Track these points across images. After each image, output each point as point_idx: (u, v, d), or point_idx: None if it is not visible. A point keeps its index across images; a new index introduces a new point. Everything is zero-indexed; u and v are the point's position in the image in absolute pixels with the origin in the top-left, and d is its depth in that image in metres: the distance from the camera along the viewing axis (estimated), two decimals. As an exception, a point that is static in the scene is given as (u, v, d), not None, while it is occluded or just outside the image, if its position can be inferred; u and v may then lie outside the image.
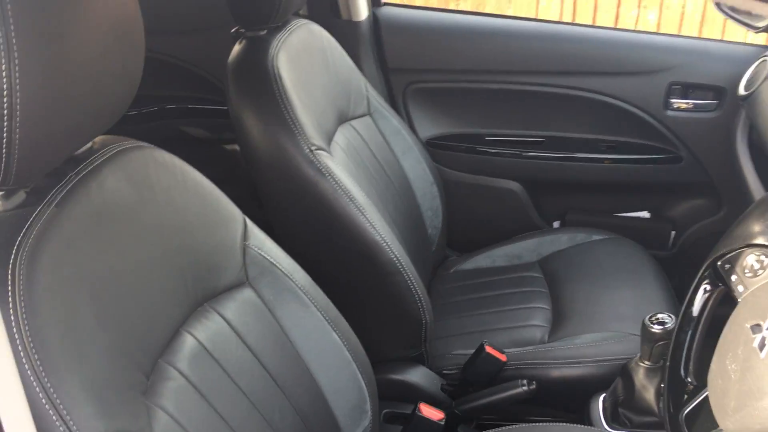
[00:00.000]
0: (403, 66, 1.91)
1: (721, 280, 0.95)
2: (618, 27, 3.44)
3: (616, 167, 1.92)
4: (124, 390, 0.79)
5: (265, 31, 1.39)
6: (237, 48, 1.38)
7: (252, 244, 1.09)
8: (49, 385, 0.69)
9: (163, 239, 0.93)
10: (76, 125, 0.76)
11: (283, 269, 1.11)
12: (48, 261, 0.73)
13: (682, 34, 3.40)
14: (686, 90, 1.82)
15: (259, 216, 1.18)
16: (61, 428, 0.69)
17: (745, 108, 1.65)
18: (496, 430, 1.23)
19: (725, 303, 0.96)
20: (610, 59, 1.85)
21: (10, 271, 0.70)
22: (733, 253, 0.93)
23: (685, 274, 1.93)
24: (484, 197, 1.98)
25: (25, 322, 0.69)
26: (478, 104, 1.93)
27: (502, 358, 1.41)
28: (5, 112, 0.65)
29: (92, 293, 0.79)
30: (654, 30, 3.51)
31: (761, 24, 1.69)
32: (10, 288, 0.69)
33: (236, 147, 2.12)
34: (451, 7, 3.55)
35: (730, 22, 2.07)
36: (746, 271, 0.89)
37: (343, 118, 1.57)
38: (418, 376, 1.45)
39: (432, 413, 1.27)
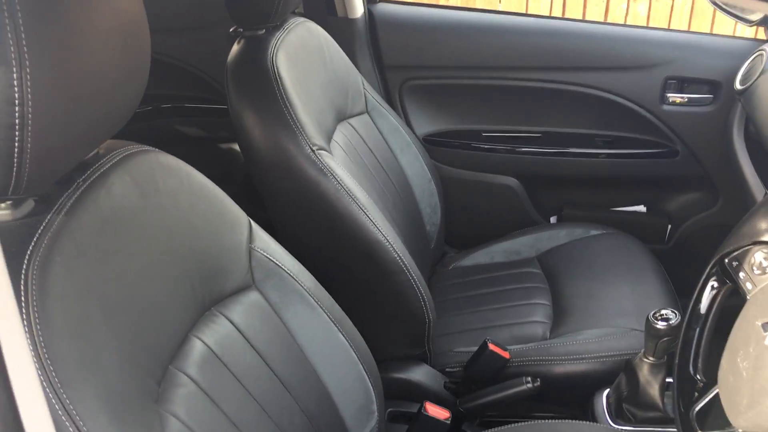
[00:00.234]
0: (399, 63, 1.91)
1: (728, 277, 0.95)
2: (610, 21, 3.45)
3: (612, 162, 1.93)
4: (138, 399, 0.79)
5: (264, 31, 1.38)
6: (236, 48, 1.37)
7: (257, 246, 1.09)
8: (65, 396, 0.68)
9: (170, 244, 0.92)
10: (85, 132, 0.75)
11: (288, 271, 1.11)
12: (60, 270, 0.73)
13: (672, 26, 3.42)
14: (682, 84, 1.83)
15: (257, 216, 1.17)
16: None
17: (741, 102, 1.66)
18: (503, 428, 1.24)
19: (733, 300, 0.97)
20: (605, 54, 1.85)
21: (22, 282, 0.69)
22: (741, 251, 0.93)
23: (682, 267, 1.95)
24: (481, 193, 1.98)
25: (39, 333, 0.68)
26: (474, 100, 1.93)
27: (506, 355, 1.41)
28: (17, 121, 0.64)
29: (103, 301, 0.78)
30: (644, 23, 3.53)
31: (755, 18, 1.70)
32: (23, 298, 0.68)
33: (232, 146, 2.12)
34: (442, 3, 3.55)
35: (721, 15, 2.08)
36: (755, 268, 0.90)
37: (341, 117, 1.56)
38: (421, 374, 1.45)
39: (438, 412, 1.26)
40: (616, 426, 1.30)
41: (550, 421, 1.25)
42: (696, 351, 0.97)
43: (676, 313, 1.19)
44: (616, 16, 3.60)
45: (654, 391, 1.25)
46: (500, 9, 3.52)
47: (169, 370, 0.87)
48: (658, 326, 1.19)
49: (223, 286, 1.02)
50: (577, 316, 1.54)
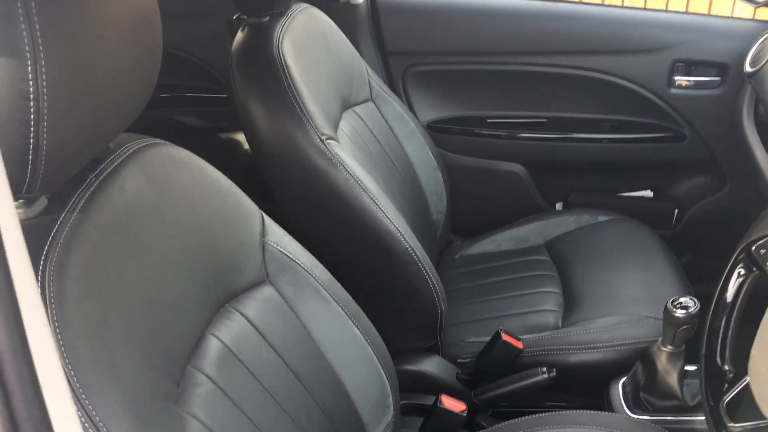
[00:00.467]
0: (402, 49, 1.88)
1: (756, 265, 0.93)
2: (620, 5, 3.41)
3: (619, 147, 1.91)
4: (158, 401, 0.76)
5: (268, 18, 1.35)
6: (240, 36, 1.34)
7: (271, 240, 1.06)
8: (87, 402, 0.66)
9: (184, 240, 0.89)
10: (100, 126, 0.72)
11: (302, 265, 1.08)
12: (77, 271, 0.70)
13: (669, 9, 3.38)
14: (689, 67, 1.80)
15: (262, 207, 1.15)
16: None
17: (752, 84, 1.63)
18: (521, 419, 1.22)
19: (759, 287, 0.95)
20: (611, 37, 1.82)
21: (39, 284, 0.66)
22: (769, 238, 0.91)
23: (690, 252, 1.94)
24: (486, 180, 1.95)
25: (59, 336, 0.65)
26: (478, 86, 1.90)
27: (519, 345, 1.39)
28: (32, 117, 0.61)
29: (120, 302, 0.75)
30: (641, 5, 3.49)
31: (762, -1, 1.68)
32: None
33: (232, 136, 2.08)
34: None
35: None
36: (784, 256, 0.88)
37: (346, 105, 1.53)
38: (433, 365, 1.43)
39: (454, 405, 1.25)
40: (634, 415, 1.28)
41: (568, 411, 1.23)
42: (723, 341, 0.95)
43: (694, 301, 1.18)
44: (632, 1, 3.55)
45: (672, 380, 1.23)
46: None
47: (187, 369, 0.85)
48: (677, 315, 1.17)
49: (237, 281, 0.99)
50: (588, 304, 1.52)
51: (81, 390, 0.65)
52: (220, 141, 2.07)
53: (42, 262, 0.68)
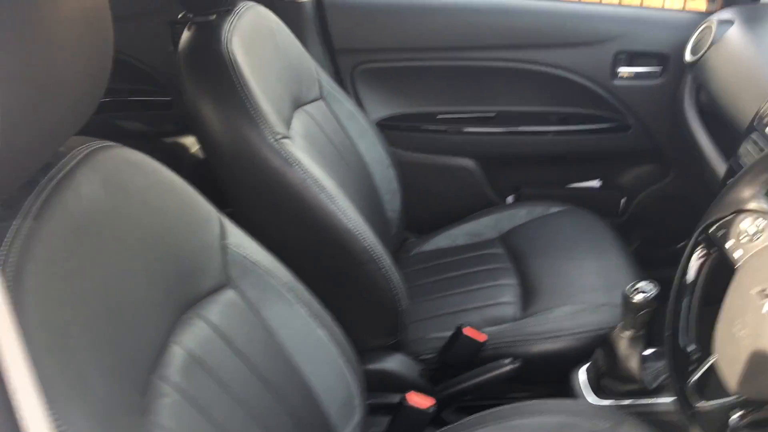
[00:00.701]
0: (350, 46, 1.86)
1: (714, 246, 0.95)
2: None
3: (566, 138, 1.94)
4: (125, 413, 0.73)
5: (215, 16, 1.31)
6: (187, 35, 1.30)
7: (231, 242, 1.03)
8: (54, 416, 0.62)
9: (143, 246, 0.86)
10: (52, 128, 0.69)
11: (264, 268, 1.06)
12: (34, 281, 0.66)
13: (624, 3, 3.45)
14: (631, 58, 1.85)
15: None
16: None
17: (693, 73, 1.68)
18: (488, 411, 1.22)
19: (717, 269, 0.97)
20: (555, 31, 1.85)
21: None
22: (726, 219, 0.93)
23: (638, 238, 1.99)
24: (438, 176, 1.96)
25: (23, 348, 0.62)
26: (427, 82, 1.91)
27: (481, 338, 1.40)
28: None
29: (82, 311, 0.72)
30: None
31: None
32: None
33: (177, 140, 2.03)
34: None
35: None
36: (742, 236, 0.90)
37: (297, 104, 1.51)
38: (396, 364, 1.42)
39: (420, 401, 1.24)
40: (598, 400, 1.30)
41: (533, 401, 1.23)
42: (687, 322, 0.97)
43: (653, 284, 1.20)
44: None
45: (633, 364, 1.25)
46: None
47: (151, 380, 0.82)
48: (635, 300, 1.19)
49: (198, 286, 0.96)
50: (546, 295, 1.53)
51: (47, 404, 0.62)
52: (165, 145, 2.01)
53: None
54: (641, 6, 1.92)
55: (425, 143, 1.93)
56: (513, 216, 1.82)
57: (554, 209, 1.82)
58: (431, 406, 1.25)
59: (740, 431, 0.85)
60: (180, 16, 1.32)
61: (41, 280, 0.67)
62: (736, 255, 0.90)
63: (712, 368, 0.90)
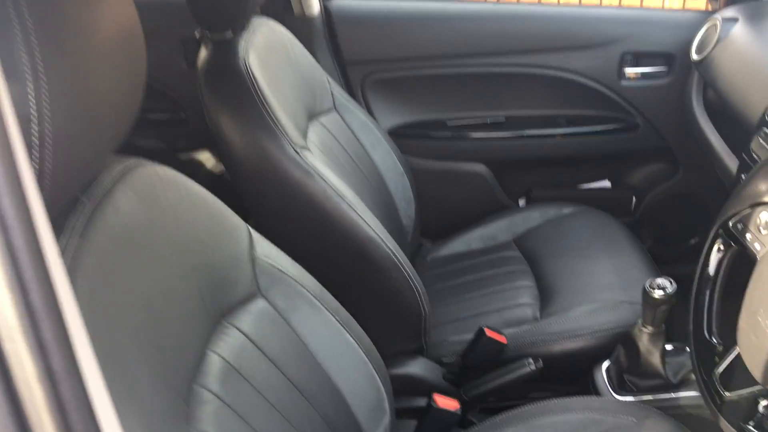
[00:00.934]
0: (359, 58, 1.89)
1: (734, 240, 0.97)
2: (562, 3, 3.49)
3: (576, 140, 1.96)
4: (173, 421, 0.76)
5: (231, 33, 1.34)
6: (205, 52, 1.33)
7: (259, 253, 1.06)
8: None
9: (178, 259, 0.89)
10: (98, 147, 0.71)
11: (292, 276, 1.08)
12: (84, 297, 0.69)
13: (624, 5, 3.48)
14: (637, 59, 1.87)
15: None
16: None
17: (699, 71, 1.70)
18: (513, 411, 1.24)
19: (738, 262, 0.99)
20: (562, 35, 1.87)
21: None
22: (744, 213, 0.95)
23: (651, 237, 2.01)
24: (450, 182, 1.98)
25: None
26: (437, 90, 1.93)
27: (503, 340, 1.42)
28: (36, 141, 0.60)
29: (128, 324, 0.74)
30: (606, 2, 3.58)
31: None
32: None
33: (192, 156, 2.06)
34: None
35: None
36: (761, 228, 0.92)
37: (311, 115, 1.54)
38: (419, 367, 1.44)
39: (448, 403, 1.26)
40: (621, 397, 1.31)
41: (558, 399, 1.25)
42: (709, 315, 0.99)
43: (670, 281, 1.22)
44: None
45: (655, 359, 1.27)
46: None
47: (193, 388, 0.84)
48: (655, 295, 1.21)
49: (230, 296, 0.98)
50: (564, 295, 1.55)
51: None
52: (180, 162, 2.04)
53: None
54: (644, 7, 1.94)
55: (436, 150, 1.95)
56: (526, 219, 1.84)
57: (567, 210, 1.84)
58: (459, 408, 1.27)
59: (768, 420, 0.87)
60: (197, 34, 1.35)
61: (91, 297, 0.70)
62: (756, 247, 0.93)
63: (737, 359, 0.92)
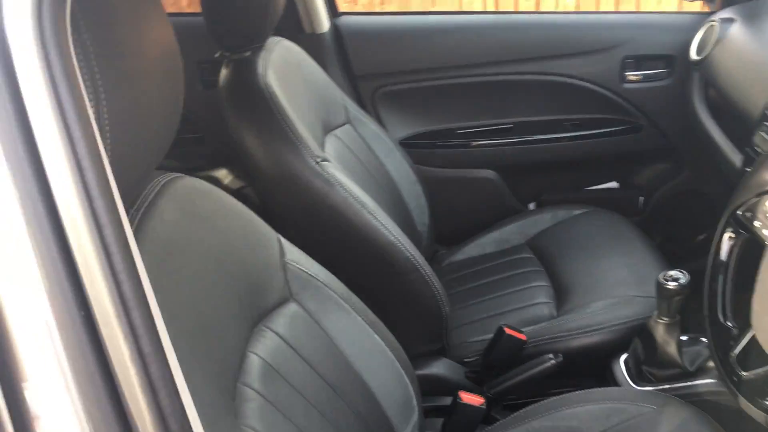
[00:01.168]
0: (369, 72, 1.95)
1: (743, 228, 1.02)
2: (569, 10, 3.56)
3: (582, 143, 2.01)
4: (225, 415, 0.80)
5: (249, 53, 1.40)
6: (225, 72, 1.39)
7: (290, 259, 1.11)
8: None
9: (218, 266, 0.94)
10: (148, 161, 0.77)
11: (321, 280, 1.13)
12: None
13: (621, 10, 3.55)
14: (639, 62, 1.93)
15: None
16: None
17: (700, 71, 1.76)
18: (536, 405, 1.28)
19: (748, 250, 1.04)
20: (564, 42, 1.93)
21: None
22: (752, 202, 1.00)
23: (660, 235, 2.05)
24: (462, 189, 2.03)
25: None
26: (445, 100, 1.99)
27: (522, 337, 1.46)
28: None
29: (179, 328, 0.79)
30: (574, 8, 3.66)
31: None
32: None
33: (210, 173, 2.11)
34: (377, 9, 3.61)
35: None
36: (768, 215, 0.97)
37: (327, 129, 1.59)
38: (443, 368, 1.49)
39: (473, 399, 1.30)
40: (640, 388, 1.35)
41: (580, 391, 1.29)
42: (723, 300, 1.03)
43: (683, 273, 1.26)
44: (545, 7, 3.72)
45: (672, 349, 1.31)
46: (436, 10, 3.59)
47: (238, 386, 0.89)
48: (669, 287, 1.26)
49: (265, 301, 1.03)
50: (579, 292, 1.60)
51: None
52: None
53: None
54: (643, 12, 2.00)
55: (447, 158, 2.01)
56: (538, 221, 1.89)
57: (577, 211, 1.88)
58: (483, 403, 1.31)
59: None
60: (217, 54, 1.40)
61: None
62: (765, 233, 0.97)
63: (752, 341, 0.96)
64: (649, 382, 1.36)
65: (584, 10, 3.51)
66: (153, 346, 0.47)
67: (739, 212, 1.02)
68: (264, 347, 0.98)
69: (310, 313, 1.10)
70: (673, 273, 1.27)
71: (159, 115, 0.79)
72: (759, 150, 1.29)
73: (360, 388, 1.13)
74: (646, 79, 1.94)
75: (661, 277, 1.27)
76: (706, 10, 1.91)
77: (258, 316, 1.01)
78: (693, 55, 1.77)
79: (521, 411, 1.28)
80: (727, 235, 1.04)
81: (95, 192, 0.47)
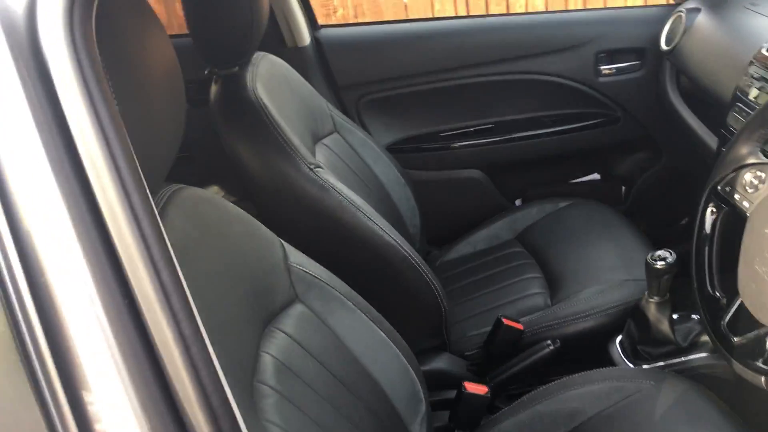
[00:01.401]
0: (352, 82, 2.00)
1: (724, 201, 1.07)
2: (532, 11, 3.63)
3: (562, 138, 2.07)
4: (245, 411, 0.83)
5: (237, 68, 1.44)
6: (216, 88, 1.43)
7: (293, 262, 1.14)
8: None
9: (225, 270, 0.97)
10: (156, 174, 0.80)
11: (325, 281, 1.17)
12: None
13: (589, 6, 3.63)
14: (612, 56, 1.99)
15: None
16: None
17: (670, 61, 1.82)
18: (538, 390, 1.32)
19: (731, 221, 1.09)
20: (538, 41, 1.99)
21: None
22: (730, 176, 1.05)
23: (644, 222, 2.11)
24: (449, 190, 2.08)
25: None
26: (426, 104, 2.04)
27: (520, 327, 1.50)
28: None
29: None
30: (545, 8, 3.74)
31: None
32: None
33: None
34: (351, 20, 3.67)
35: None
36: (747, 188, 1.02)
37: (316, 139, 1.63)
38: (445, 362, 1.52)
39: (477, 388, 1.34)
40: (637, 367, 1.40)
41: (580, 374, 1.33)
42: (710, 272, 1.08)
43: (670, 252, 1.31)
44: (516, 9, 3.79)
45: (664, 326, 1.36)
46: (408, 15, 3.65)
47: (254, 384, 0.92)
48: (658, 266, 1.31)
49: (273, 303, 1.07)
50: (571, 280, 1.65)
51: None
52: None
53: None
54: (612, 7, 2.07)
55: (433, 161, 2.05)
56: (525, 216, 1.94)
57: (563, 204, 1.93)
58: (487, 392, 1.35)
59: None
60: (207, 71, 1.44)
61: None
62: (745, 205, 1.02)
63: (740, 308, 1.01)
64: (645, 361, 1.41)
65: (553, 9, 3.59)
66: (192, 329, 0.51)
67: (719, 187, 1.07)
68: (275, 347, 1.02)
69: (316, 312, 1.14)
70: (661, 252, 1.32)
71: (165, 127, 0.83)
72: (733, 129, 1.35)
73: (368, 382, 1.17)
74: (620, 72, 2.00)
75: (649, 257, 1.32)
76: (672, 1, 1.98)
77: (267, 317, 1.04)
78: (663, 45, 1.83)
79: (524, 397, 1.32)
80: (709, 210, 1.09)
81: (131, 187, 0.50)
